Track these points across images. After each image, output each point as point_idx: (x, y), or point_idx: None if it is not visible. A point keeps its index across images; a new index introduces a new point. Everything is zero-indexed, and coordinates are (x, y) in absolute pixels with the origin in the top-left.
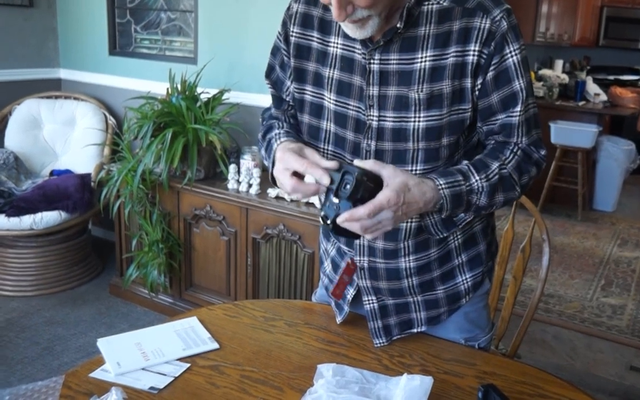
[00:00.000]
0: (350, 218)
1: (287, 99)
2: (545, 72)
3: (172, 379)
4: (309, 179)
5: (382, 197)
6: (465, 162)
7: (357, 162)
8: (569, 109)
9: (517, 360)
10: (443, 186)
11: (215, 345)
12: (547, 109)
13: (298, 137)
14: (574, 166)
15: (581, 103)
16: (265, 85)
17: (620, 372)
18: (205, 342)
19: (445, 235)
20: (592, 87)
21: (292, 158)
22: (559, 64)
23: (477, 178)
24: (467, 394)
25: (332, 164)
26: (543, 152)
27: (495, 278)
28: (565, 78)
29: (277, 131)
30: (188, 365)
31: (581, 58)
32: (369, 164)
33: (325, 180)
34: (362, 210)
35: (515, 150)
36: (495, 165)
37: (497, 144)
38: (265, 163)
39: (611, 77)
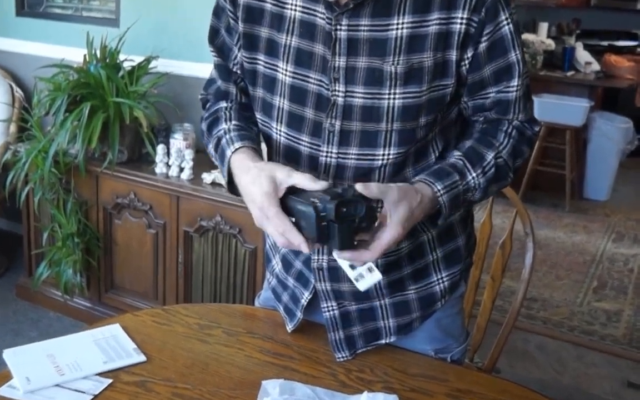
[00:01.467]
0: (353, 258)
1: (236, 70)
2: (527, 37)
3: (91, 397)
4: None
5: (389, 237)
6: (457, 153)
7: (358, 187)
8: (555, 80)
9: (496, 376)
10: (442, 192)
11: (142, 358)
12: (530, 80)
13: (251, 132)
14: (561, 147)
15: (569, 73)
16: (200, 52)
17: (615, 388)
18: (129, 354)
19: (433, 232)
20: (582, 55)
21: (267, 203)
22: (544, 27)
23: (474, 174)
24: None
25: (322, 185)
26: (537, 128)
27: (470, 279)
28: (551, 44)
29: (224, 127)
30: (110, 381)
31: (570, 21)
32: (375, 192)
33: (304, 249)
34: (369, 255)
35: (509, 131)
36: (490, 156)
37: (488, 124)
38: (215, 162)
39: (605, 43)
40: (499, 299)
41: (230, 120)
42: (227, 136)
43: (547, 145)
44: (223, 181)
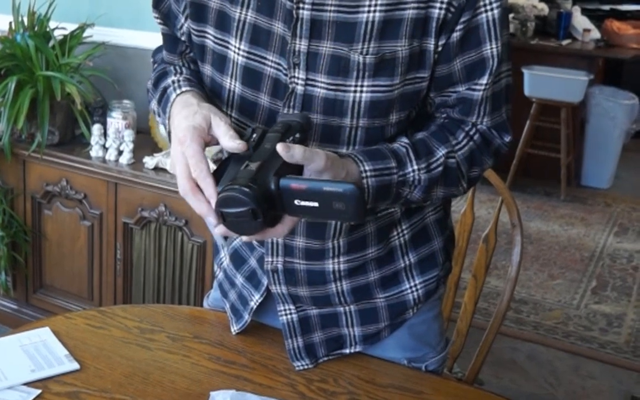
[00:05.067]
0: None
1: (184, 39)
2: (517, 0)
3: None
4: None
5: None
6: (404, 140)
7: (279, 148)
8: (549, 50)
9: (478, 388)
10: (368, 174)
11: (75, 366)
12: (520, 50)
13: (202, 87)
14: (556, 127)
15: (565, 42)
16: (141, 19)
17: None
18: (61, 362)
19: (406, 236)
20: (580, 21)
21: (189, 151)
22: None
23: (415, 167)
24: None
25: (238, 145)
26: (507, 138)
27: (449, 278)
28: (543, 8)
29: (173, 78)
30: (38, 391)
31: None
32: (298, 156)
33: (210, 214)
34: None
35: (472, 133)
36: (441, 153)
37: (450, 121)
38: (159, 120)
39: (606, 7)
40: (484, 302)
41: (181, 73)
42: (175, 85)
43: (540, 125)
44: (164, 130)
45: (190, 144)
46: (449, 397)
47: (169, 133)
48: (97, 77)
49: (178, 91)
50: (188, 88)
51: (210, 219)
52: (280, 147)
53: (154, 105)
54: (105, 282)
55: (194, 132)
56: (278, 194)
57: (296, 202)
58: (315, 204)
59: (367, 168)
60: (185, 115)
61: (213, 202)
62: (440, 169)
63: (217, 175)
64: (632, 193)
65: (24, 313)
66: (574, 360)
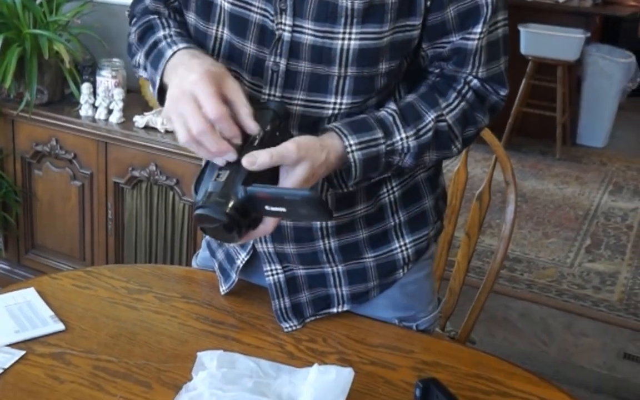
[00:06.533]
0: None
1: None
2: None
3: (0, 370)
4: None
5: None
6: (391, 106)
7: (244, 162)
8: (545, 7)
9: (470, 347)
10: (354, 148)
11: (60, 326)
12: (517, 7)
13: (196, 44)
14: (552, 85)
15: None
16: None
17: (609, 361)
18: (45, 322)
19: (351, 189)
20: None
21: (205, 91)
22: None
23: (404, 135)
24: (401, 392)
25: (254, 127)
26: (503, 92)
27: (442, 236)
28: None
29: (164, 33)
30: (22, 352)
31: None
32: (267, 163)
33: (231, 156)
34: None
35: (464, 91)
36: (430, 117)
37: (442, 79)
38: (143, 74)
39: None
40: (478, 260)
41: (169, 27)
42: (168, 40)
43: (536, 84)
44: (152, 89)
45: (207, 85)
46: (440, 356)
47: (159, 89)
48: (86, 35)
49: (174, 47)
50: (185, 44)
51: (231, 155)
52: (244, 161)
53: (139, 58)
54: (97, 242)
55: (212, 76)
56: (249, 201)
57: (266, 207)
58: (283, 209)
59: (351, 142)
60: (199, 62)
61: (231, 148)
62: (429, 134)
63: (197, 184)
64: (628, 152)
65: (16, 273)
66: (567, 318)
